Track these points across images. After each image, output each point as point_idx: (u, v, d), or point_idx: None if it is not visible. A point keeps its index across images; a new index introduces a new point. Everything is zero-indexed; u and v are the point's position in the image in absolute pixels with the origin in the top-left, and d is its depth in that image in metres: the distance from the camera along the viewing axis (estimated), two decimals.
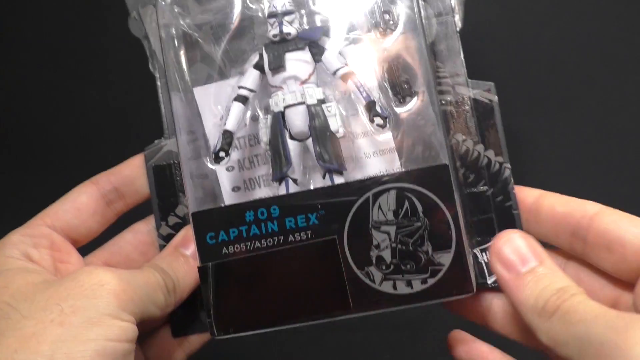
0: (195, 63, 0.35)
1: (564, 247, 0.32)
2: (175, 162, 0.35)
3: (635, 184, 0.52)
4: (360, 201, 0.30)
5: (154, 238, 0.35)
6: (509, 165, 0.33)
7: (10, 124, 0.59)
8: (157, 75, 0.36)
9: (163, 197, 0.35)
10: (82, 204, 0.35)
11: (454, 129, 0.33)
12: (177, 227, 0.35)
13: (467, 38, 0.37)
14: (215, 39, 0.34)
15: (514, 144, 0.38)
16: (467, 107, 0.34)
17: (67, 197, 0.36)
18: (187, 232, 0.34)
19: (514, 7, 0.52)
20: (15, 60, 0.58)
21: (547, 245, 0.31)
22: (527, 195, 0.33)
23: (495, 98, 0.34)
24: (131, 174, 0.36)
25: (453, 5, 0.34)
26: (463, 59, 0.35)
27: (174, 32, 0.34)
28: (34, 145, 0.58)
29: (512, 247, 0.29)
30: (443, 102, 0.33)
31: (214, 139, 0.34)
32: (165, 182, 0.35)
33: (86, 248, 0.36)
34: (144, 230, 0.36)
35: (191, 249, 0.33)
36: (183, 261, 0.33)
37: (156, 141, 0.36)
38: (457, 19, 0.35)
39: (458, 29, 0.34)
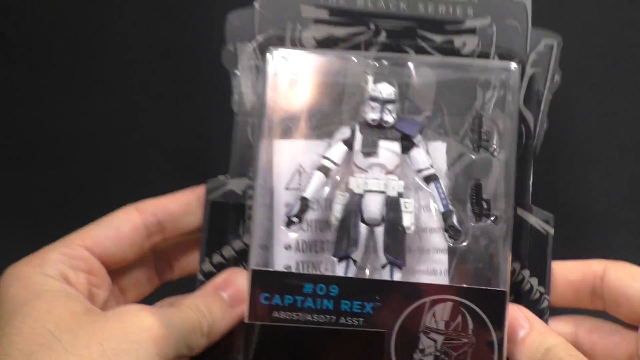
0: (277, 112, 0.35)
1: (588, 307, 0.35)
2: (233, 203, 0.35)
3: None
4: (417, 303, 0.31)
5: None
6: (548, 297, 0.35)
7: (10, 124, 0.58)
8: (237, 114, 0.36)
9: (214, 234, 0.35)
10: (124, 233, 0.35)
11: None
12: (219, 267, 0.35)
13: None
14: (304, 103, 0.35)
15: None
16: (523, 232, 0.35)
17: (109, 221, 0.35)
18: (230, 276, 0.34)
19: None
20: (21, 62, 0.57)
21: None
22: None
23: (552, 231, 0.36)
24: (178, 211, 0.36)
25: (536, 136, 0.36)
26: (531, 184, 0.36)
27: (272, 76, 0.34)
28: (33, 145, 0.58)
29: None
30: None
31: (279, 196, 0.34)
32: (220, 220, 0.35)
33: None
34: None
35: (230, 292, 0.33)
36: (221, 305, 0.33)
37: (220, 177, 0.36)
38: (535, 144, 0.36)
39: (534, 154, 0.36)
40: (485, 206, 0.33)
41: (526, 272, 0.35)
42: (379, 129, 0.33)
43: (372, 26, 0.36)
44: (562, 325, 0.35)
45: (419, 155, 0.33)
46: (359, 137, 0.33)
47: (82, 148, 0.58)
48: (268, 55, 0.34)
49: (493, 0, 0.36)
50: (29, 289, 0.31)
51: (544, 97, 0.36)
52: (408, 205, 0.32)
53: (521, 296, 0.35)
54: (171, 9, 0.55)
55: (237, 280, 0.33)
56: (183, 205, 0.36)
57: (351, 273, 0.32)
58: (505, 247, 0.33)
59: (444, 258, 0.33)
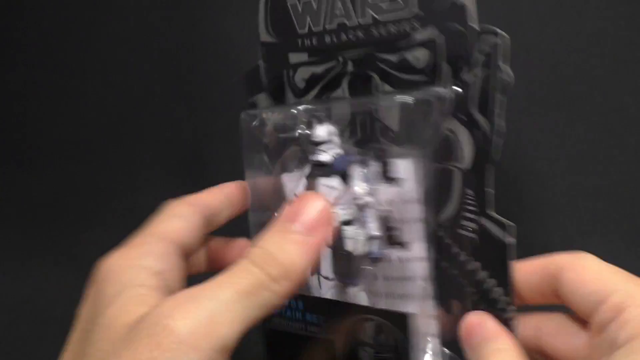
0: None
1: (557, 303, 0.33)
2: None
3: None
4: (349, 320, 0.36)
5: None
6: (513, 307, 0.34)
7: (10, 124, 0.61)
8: None
9: None
10: (195, 225, 0.36)
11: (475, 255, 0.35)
12: None
13: None
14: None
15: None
16: (488, 242, 0.35)
17: (178, 213, 0.36)
18: (295, 206, 0.31)
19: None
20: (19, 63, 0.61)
21: None
22: None
23: (513, 241, 0.34)
24: (220, 206, 0.39)
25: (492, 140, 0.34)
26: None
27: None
28: (34, 145, 0.61)
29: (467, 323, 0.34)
30: (470, 229, 0.35)
31: None
32: None
33: None
34: None
35: (302, 221, 0.30)
36: (294, 239, 0.30)
37: None
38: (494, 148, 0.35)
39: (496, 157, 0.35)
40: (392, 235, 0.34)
41: (492, 281, 0.35)
42: (320, 168, 0.37)
43: (340, 58, 0.39)
44: (526, 328, 0.34)
45: (355, 186, 0.36)
46: (302, 180, 0.38)
47: (81, 148, 0.59)
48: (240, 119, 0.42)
49: (436, 8, 0.35)
50: (116, 287, 0.30)
51: (494, 99, 0.34)
52: (348, 233, 0.36)
53: (489, 303, 0.35)
54: (170, 9, 0.56)
55: (309, 205, 0.31)
56: (224, 201, 0.39)
57: (326, 287, 0.38)
58: (416, 272, 0.34)
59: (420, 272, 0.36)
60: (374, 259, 0.36)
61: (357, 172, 0.36)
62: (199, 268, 0.40)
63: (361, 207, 0.36)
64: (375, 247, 0.35)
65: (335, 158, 0.37)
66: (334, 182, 0.37)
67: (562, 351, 0.33)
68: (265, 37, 0.42)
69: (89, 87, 0.59)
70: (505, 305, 0.35)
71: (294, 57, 0.42)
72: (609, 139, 0.53)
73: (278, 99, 0.43)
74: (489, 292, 0.35)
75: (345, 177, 0.37)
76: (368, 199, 0.36)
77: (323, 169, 0.37)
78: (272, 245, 0.29)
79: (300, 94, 0.42)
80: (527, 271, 0.34)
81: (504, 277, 0.34)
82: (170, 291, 0.31)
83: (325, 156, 0.37)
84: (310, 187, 0.38)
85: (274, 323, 0.40)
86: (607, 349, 0.29)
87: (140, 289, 0.30)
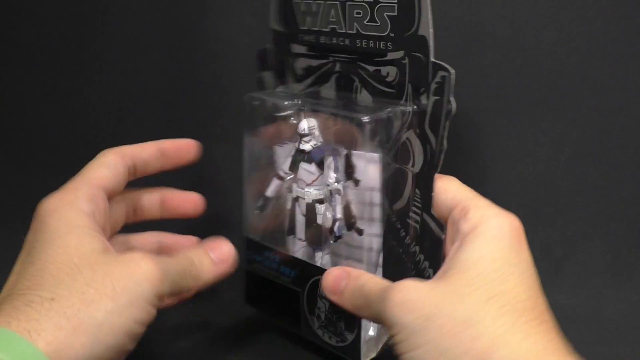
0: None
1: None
2: None
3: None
4: (314, 278, 0.45)
5: None
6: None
7: (9, 124, 0.62)
8: None
9: None
10: (119, 172, 0.44)
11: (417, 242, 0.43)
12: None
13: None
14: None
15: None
16: (427, 234, 0.43)
17: (105, 163, 0.43)
18: (218, 242, 0.43)
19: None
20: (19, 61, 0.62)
21: None
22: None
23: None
24: (148, 158, 0.46)
25: (436, 155, 0.41)
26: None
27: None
28: (34, 145, 0.62)
29: (330, 276, 0.43)
30: (415, 220, 0.43)
31: None
32: None
33: None
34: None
35: (216, 254, 0.42)
36: (208, 261, 0.42)
37: None
38: (436, 161, 0.41)
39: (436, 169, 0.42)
40: (352, 220, 0.43)
41: (427, 263, 0.43)
42: (302, 154, 0.45)
43: (331, 58, 0.46)
44: None
45: (327, 174, 0.44)
46: (289, 159, 0.46)
47: (81, 148, 0.61)
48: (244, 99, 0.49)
49: (404, 36, 0.41)
50: (63, 223, 0.38)
51: (441, 122, 0.40)
52: (319, 210, 0.45)
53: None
54: (169, 9, 0.59)
55: (223, 247, 0.43)
56: (152, 153, 0.47)
57: (298, 246, 0.48)
58: (363, 254, 0.43)
59: (366, 253, 0.45)
60: (336, 237, 0.45)
61: (329, 161, 0.44)
62: (154, 215, 0.49)
63: (332, 192, 0.45)
64: (336, 227, 0.44)
65: (313, 148, 0.45)
66: (312, 167, 0.45)
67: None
68: (274, 25, 0.49)
69: (88, 87, 0.61)
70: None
71: (295, 48, 0.48)
72: (609, 139, 0.54)
73: (281, 78, 0.50)
74: (423, 271, 0.44)
75: (321, 164, 0.45)
76: (337, 186, 0.44)
77: (304, 155, 0.45)
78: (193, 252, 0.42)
79: (298, 80, 0.49)
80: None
81: (436, 262, 0.43)
82: (99, 228, 0.40)
83: (306, 146, 0.45)
84: (293, 168, 0.46)
85: (254, 267, 0.50)
86: (456, 238, 0.39)
87: (82, 228, 0.39)
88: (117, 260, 0.37)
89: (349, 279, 0.42)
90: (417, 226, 0.43)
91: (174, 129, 0.58)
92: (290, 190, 0.48)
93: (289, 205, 0.48)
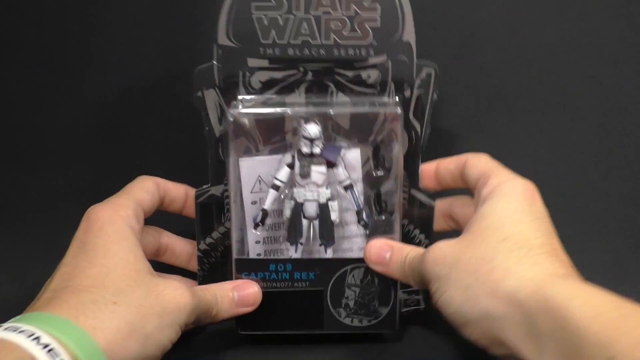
0: (239, 137, 0.50)
1: (461, 187, 0.49)
2: (214, 202, 0.51)
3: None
4: (341, 270, 0.49)
5: None
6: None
7: (8, 123, 0.62)
8: (210, 140, 0.50)
9: (205, 225, 0.51)
10: (155, 197, 0.49)
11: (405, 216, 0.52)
12: (210, 246, 0.52)
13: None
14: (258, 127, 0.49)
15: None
16: (415, 205, 0.52)
17: (144, 186, 0.48)
18: (246, 283, 0.48)
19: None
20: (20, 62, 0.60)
21: None
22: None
23: (434, 202, 0.52)
24: (177, 196, 0.51)
25: (422, 138, 0.51)
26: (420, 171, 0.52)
27: (229, 116, 0.48)
28: (33, 145, 0.62)
29: (373, 249, 0.48)
30: (404, 197, 0.51)
31: (247, 197, 0.50)
32: (207, 215, 0.51)
33: None
34: None
35: (240, 294, 0.47)
36: (230, 301, 0.47)
37: (204, 186, 0.51)
38: (422, 143, 0.51)
39: (422, 150, 0.51)
40: (383, 206, 0.49)
41: (417, 231, 0.52)
42: (310, 157, 0.48)
43: (301, 69, 0.49)
44: (442, 205, 0.51)
45: (339, 171, 0.48)
46: (297, 163, 0.48)
47: (80, 148, 0.61)
48: (228, 114, 0.48)
49: (387, 42, 0.49)
50: (119, 236, 0.43)
51: (427, 110, 0.51)
52: (334, 206, 0.49)
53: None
54: (168, 9, 0.59)
55: (249, 289, 0.48)
56: (180, 195, 0.51)
57: (299, 252, 0.49)
58: (397, 230, 0.49)
59: (359, 240, 0.50)
60: (365, 225, 0.49)
61: (339, 160, 0.48)
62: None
63: (346, 188, 0.48)
64: (365, 216, 0.49)
65: (322, 150, 0.48)
66: (323, 168, 0.48)
67: (462, 214, 0.50)
68: (223, 41, 0.48)
69: (87, 86, 0.60)
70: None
71: (253, 62, 0.49)
72: (609, 139, 0.55)
73: (227, 95, 0.49)
74: (413, 239, 0.52)
75: (329, 164, 0.48)
76: (349, 182, 0.48)
77: (314, 159, 0.48)
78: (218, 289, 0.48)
79: (253, 93, 0.50)
80: (447, 163, 0.50)
81: (427, 227, 0.52)
82: (141, 256, 0.44)
83: (317, 149, 0.47)
84: (304, 173, 0.48)
85: None
86: (478, 202, 0.45)
87: (134, 246, 0.44)
88: (166, 285, 0.43)
89: (392, 251, 0.48)
90: (405, 202, 0.51)
91: (173, 129, 0.58)
92: (290, 197, 0.49)
93: (288, 213, 0.49)
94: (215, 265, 0.52)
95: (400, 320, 0.51)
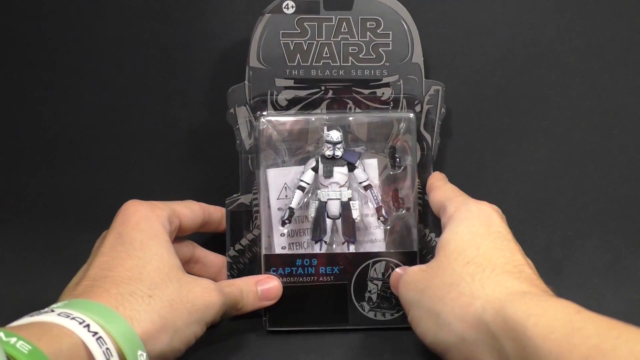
0: (267, 150, 0.55)
1: None
2: (244, 210, 0.55)
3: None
4: (364, 264, 0.52)
5: None
6: None
7: (8, 124, 0.62)
8: (240, 153, 0.55)
9: (234, 232, 0.55)
10: (197, 216, 0.52)
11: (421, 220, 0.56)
12: (239, 252, 0.55)
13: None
14: (284, 140, 0.54)
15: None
16: (428, 210, 0.56)
17: (188, 205, 0.51)
18: (269, 277, 0.51)
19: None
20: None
21: None
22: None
23: None
24: (217, 218, 0.54)
25: (433, 148, 0.56)
26: None
27: (261, 130, 0.54)
28: (33, 145, 0.62)
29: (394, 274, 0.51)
30: (419, 202, 0.56)
31: (274, 203, 0.54)
32: (237, 222, 0.55)
33: None
34: None
35: (263, 288, 0.50)
36: (255, 294, 0.50)
37: (234, 195, 0.56)
38: (432, 154, 0.56)
39: (433, 160, 0.56)
40: (401, 202, 0.53)
41: (432, 235, 0.56)
42: (333, 160, 0.53)
43: (322, 87, 0.56)
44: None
45: (359, 173, 0.53)
46: (321, 166, 0.53)
47: (80, 148, 0.61)
48: (260, 121, 0.54)
49: (399, 64, 0.56)
50: (154, 232, 0.46)
51: (436, 123, 0.56)
52: (355, 205, 0.53)
53: (427, 247, 0.56)
54: (169, 10, 0.60)
55: (272, 283, 0.51)
56: (220, 217, 0.54)
57: (323, 249, 0.53)
58: (414, 225, 0.53)
59: (379, 234, 0.54)
60: (385, 220, 0.53)
61: (358, 162, 0.53)
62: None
63: (366, 188, 0.53)
64: (384, 212, 0.53)
65: (347, 152, 0.53)
66: (344, 170, 0.53)
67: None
68: (254, 63, 0.55)
69: (86, 86, 0.60)
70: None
71: (280, 82, 0.55)
72: (609, 139, 0.55)
73: (256, 112, 0.55)
74: (429, 242, 0.56)
75: (349, 167, 0.53)
76: (368, 182, 0.53)
77: (336, 161, 0.53)
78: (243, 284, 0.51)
79: (280, 110, 0.56)
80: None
81: (439, 231, 0.56)
82: (174, 254, 0.47)
83: (339, 152, 0.52)
84: (327, 174, 0.52)
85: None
86: (442, 228, 0.48)
87: (167, 243, 0.47)
88: (196, 283, 0.46)
89: (404, 272, 0.50)
90: (420, 208, 0.56)
91: (173, 129, 0.59)
92: (315, 198, 0.53)
93: (313, 213, 0.53)
94: (243, 272, 0.55)
95: None
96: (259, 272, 0.53)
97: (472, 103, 0.61)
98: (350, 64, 0.55)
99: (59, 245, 0.47)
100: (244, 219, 0.55)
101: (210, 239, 0.57)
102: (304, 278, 0.52)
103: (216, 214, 0.55)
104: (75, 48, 0.61)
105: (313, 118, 0.54)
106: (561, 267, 0.58)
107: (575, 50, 0.57)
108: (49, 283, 0.53)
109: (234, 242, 0.55)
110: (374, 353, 0.50)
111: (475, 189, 0.53)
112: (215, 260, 0.56)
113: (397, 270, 0.52)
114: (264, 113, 0.55)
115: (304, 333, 0.52)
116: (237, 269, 0.55)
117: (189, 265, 0.54)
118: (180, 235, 0.52)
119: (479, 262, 0.43)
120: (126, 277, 0.43)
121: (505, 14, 0.59)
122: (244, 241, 0.55)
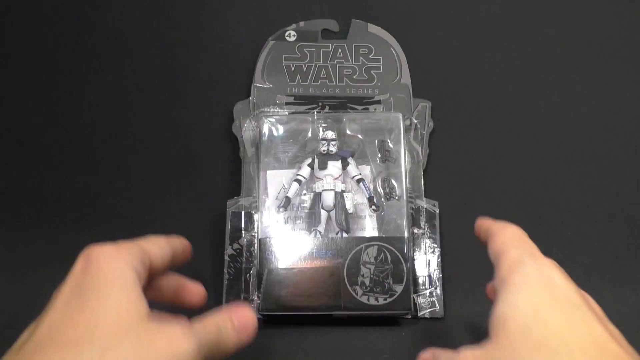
0: (268, 157, 0.59)
1: None
2: (243, 211, 0.58)
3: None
4: (356, 248, 0.53)
5: None
6: (438, 249, 0.57)
7: (8, 124, 0.62)
8: (244, 159, 0.60)
9: (233, 232, 0.58)
10: (165, 253, 0.44)
11: (413, 224, 0.58)
12: (238, 251, 0.57)
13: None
14: (282, 147, 0.59)
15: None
16: (420, 213, 0.58)
17: (156, 241, 0.44)
18: (241, 307, 0.42)
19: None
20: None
21: None
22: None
23: (438, 210, 0.59)
24: (182, 254, 0.46)
25: (422, 158, 0.60)
26: (423, 184, 0.60)
27: (264, 140, 0.58)
28: (33, 145, 0.62)
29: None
30: (410, 207, 0.58)
31: (273, 200, 0.57)
32: (236, 222, 0.58)
33: None
34: None
35: (238, 320, 0.41)
36: (234, 331, 0.41)
37: (235, 197, 0.59)
38: (422, 162, 0.60)
39: (423, 168, 0.60)
40: (390, 192, 0.56)
41: (425, 237, 0.58)
42: (327, 155, 0.57)
43: (320, 103, 0.61)
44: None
45: (351, 168, 0.57)
46: (316, 160, 0.57)
47: (80, 148, 0.61)
48: (262, 120, 0.59)
49: (389, 84, 0.62)
50: (117, 278, 0.39)
51: (424, 136, 0.61)
52: (348, 197, 0.56)
53: (422, 250, 0.57)
54: (170, 11, 0.62)
55: (245, 311, 0.42)
56: (183, 247, 0.47)
57: (315, 236, 0.55)
58: (404, 213, 0.56)
59: (372, 223, 0.56)
60: (376, 208, 0.55)
61: (350, 158, 0.57)
62: (166, 297, 0.47)
63: (358, 181, 0.56)
64: (376, 200, 0.55)
65: (340, 150, 0.57)
66: (338, 164, 0.57)
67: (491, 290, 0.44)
68: (259, 82, 0.61)
69: (86, 86, 0.61)
70: (433, 248, 0.57)
71: (281, 99, 0.61)
72: (609, 139, 0.55)
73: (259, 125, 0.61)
74: (422, 242, 0.57)
75: (343, 162, 0.57)
76: (360, 176, 0.56)
77: (331, 156, 0.57)
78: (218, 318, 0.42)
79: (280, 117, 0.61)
80: (483, 227, 0.45)
81: (433, 232, 0.58)
82: (142, 300, 0.39)
83: (334, 148, 0.57)
84: (322, 167, 0.56)
85: (273, 266, 0.53)
86: (497, 288, 0.40)
87: (132, 288, 0.40)
88: (160, 332, 0.38)
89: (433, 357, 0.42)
90: (412, 212, 0.58)
91: (172, 128, 0.60)
92: (311, 189, 0.56)
93: (308, 204, 0.56)
94: (240, 270, 0.57)
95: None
96: (255, 271, 0.55)
97: (459, 117, 0.63)
98: (345, 83, 0.62)
99: (59, 245, 0.46)
100: (243, 219, 0.58)
101: (210, 239, 0.59)
102: (297, 262, 0.53)
103: (180, 244, 0.47)
104: (73, 47, 0.61)
105: (310, 118, 0.59)
106: (561, 267, 0.54)
107: (575, 50, 0.57)
108: (49, 283, 0.50)
109: (232, 241, 0.57)
110: (374, 353, 0.50)
111: (475, 189, 0.55)
112: (199, 290, 0.48)
113: (424, 355, 0.43)
114: (266, 110, 0.60)
115: (302, 331, 0.52)
116: (234, 268, 0.57)
117: (176, 297, 0.48)
118: (153, 275, 0.45)
119: (549, 345, 0.36)
120: (74, 340, 0.37)
121: (486, 40, 0.62)
122: (242, 241, 0.57)
